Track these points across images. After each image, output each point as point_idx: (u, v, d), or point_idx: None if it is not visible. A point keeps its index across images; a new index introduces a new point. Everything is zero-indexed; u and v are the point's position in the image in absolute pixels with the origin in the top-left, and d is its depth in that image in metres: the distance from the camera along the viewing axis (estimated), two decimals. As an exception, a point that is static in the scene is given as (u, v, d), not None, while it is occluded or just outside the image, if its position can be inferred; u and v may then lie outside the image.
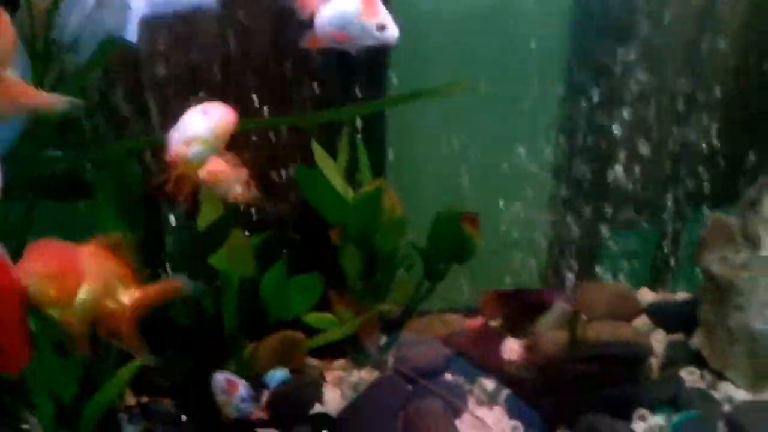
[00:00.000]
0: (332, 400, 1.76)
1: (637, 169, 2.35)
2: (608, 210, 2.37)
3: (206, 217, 1.62)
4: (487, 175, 2.27)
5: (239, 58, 1.95)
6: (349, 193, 1.79)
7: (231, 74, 1.95)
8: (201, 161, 1.32)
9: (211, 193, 1.64)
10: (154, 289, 1.22)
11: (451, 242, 1.79)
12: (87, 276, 1.13)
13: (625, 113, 2.32)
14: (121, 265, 1.18)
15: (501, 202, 2.30)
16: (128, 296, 1.18)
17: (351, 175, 1.90)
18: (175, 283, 1.29)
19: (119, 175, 1.64)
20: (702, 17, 2.30)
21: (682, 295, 2.14)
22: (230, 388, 1.66)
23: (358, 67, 2.02)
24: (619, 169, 2.33)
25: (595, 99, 2.31)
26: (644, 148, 2.35)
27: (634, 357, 1.66)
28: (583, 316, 2.04)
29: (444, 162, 2.27)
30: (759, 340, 1.75)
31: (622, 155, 2.34)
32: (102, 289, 1.15)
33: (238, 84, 1.95)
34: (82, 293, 1.12)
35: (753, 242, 1.73)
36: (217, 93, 1.83)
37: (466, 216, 1.79)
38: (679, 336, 2.01)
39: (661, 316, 2.06)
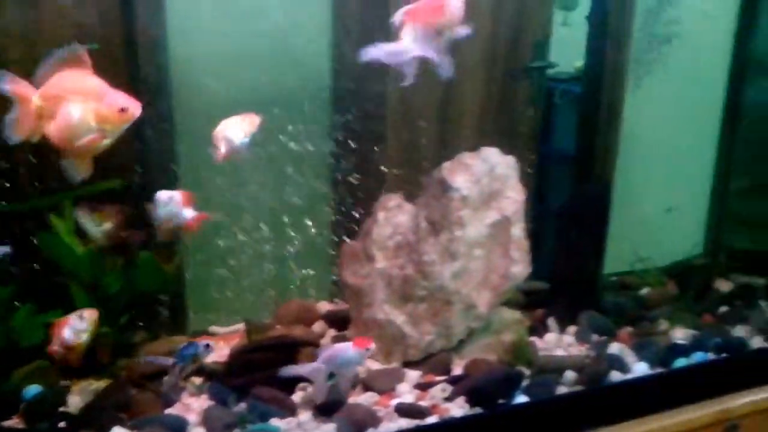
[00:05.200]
0: (76, 403, 2.33)
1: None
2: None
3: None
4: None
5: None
6: (79, 249, 2.40)
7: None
8: None
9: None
10: None
11: (153, 278, 2.44)
12: None
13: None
14: None
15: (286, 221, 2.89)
16: None
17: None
18: None
19: None
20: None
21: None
22: None
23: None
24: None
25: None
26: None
27: (287, 345, 2.37)
28: (278, 325, 2.79)
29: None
30: (383, 327, 2.53)
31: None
32: None
33: None
34: None
35: (371, 258, 2.51)
36: None
37: (161, 253, 2.45)
38: (346, 333, 2.78)
39: (333, 320, 2.82)
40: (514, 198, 2.50)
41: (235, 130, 2.19)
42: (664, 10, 3.02)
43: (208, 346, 2.28)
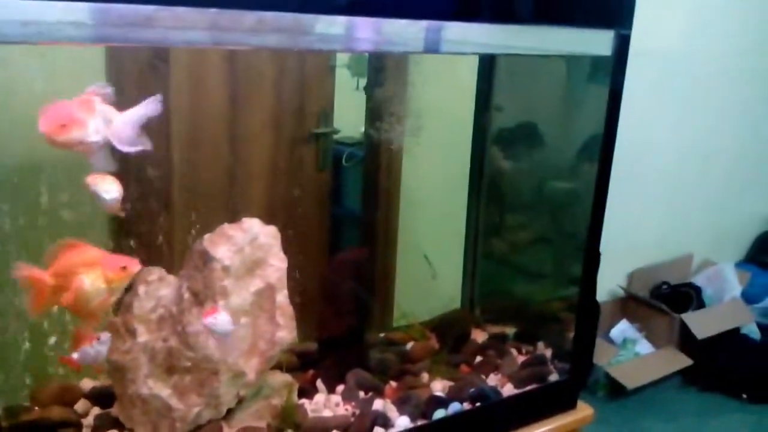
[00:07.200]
0: None
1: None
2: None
3: None
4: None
5: None
6: None
7: None
8: None
9: None
10: None
11: None
12: None
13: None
14: None
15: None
16: None
17: None
18: None
19: None
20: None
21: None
22: None
23: None
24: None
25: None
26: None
27: (41, 428, 2.27)
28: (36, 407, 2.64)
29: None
30: (147, 402, 2.48)
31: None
32: None
33: None
34: None
35: (132, 333, 2.47)
36: None
37: None
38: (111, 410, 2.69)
39: (98, 397, 2.71)
40: (277, 266, 2.57)
41: (108, 187, 2.11)
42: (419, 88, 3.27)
43: None
